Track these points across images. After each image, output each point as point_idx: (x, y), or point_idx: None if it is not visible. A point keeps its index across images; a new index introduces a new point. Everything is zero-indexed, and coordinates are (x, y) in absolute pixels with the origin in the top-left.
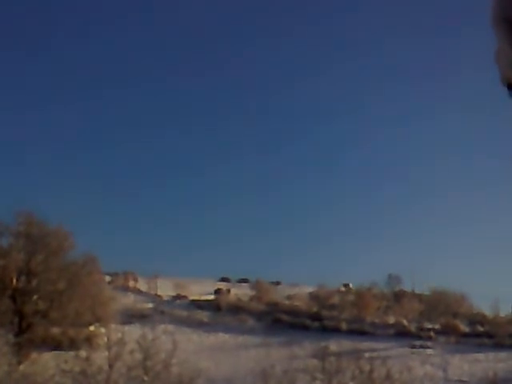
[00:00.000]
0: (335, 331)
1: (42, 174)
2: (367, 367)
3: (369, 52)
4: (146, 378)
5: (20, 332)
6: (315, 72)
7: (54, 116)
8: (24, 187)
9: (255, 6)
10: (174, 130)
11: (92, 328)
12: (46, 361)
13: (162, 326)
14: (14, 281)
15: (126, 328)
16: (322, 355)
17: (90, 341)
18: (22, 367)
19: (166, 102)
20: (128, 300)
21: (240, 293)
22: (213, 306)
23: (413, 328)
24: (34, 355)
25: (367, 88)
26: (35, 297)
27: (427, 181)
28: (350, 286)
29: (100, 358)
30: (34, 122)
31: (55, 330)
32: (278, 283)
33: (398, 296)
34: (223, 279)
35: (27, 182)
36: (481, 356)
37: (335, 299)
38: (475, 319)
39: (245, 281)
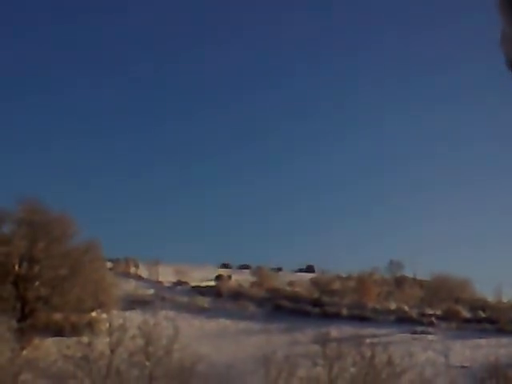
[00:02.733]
0: (336, 317)
1: (44, 161)
2: (368, 353)
3: None
4: (147, 364)
5: (22, 318)
6: None
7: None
8: (26, 174)
9: None
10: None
11: (94, 314)
12: (49, 346)
13: (163, 312)
14: (17, 267)
15: (128, 314)
16: (323, 341)
17: (91, 326)
18: (24, 353)
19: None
20: (129, 286)
21: (241, 279)
22: (214, 292)
23: (414, 314)
24: (36, 341)
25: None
26: (37, 283)
27: (428, 168)
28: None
29: (102, 343)
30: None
31: (57, 316)
32: (279, 269)
33: (400, 282)
34: (224, 265)
35: (29, 170)
36: (483, 342)
37: (336, 285)
38: (477, 305)
39: (246, 267)
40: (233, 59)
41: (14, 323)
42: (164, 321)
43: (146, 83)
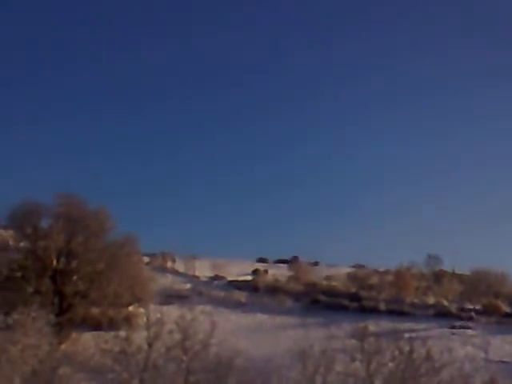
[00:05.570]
0: (374, 312)
1: (83, 156)
2: (407, 348)
3: None
4: (184, 358)
5: (60, 312)
6: None
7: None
8: (64, 169)
9: None
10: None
11: (131, 308)
12: (87, 341)
13: (200, 307)
14: (54, 262)
15: (165, 308)
16: (361, 335)
17: (129, 321)
18: (63, 347)
19: None
20: (166, 281)
21: (278, 273)
22: (250, 287)
23: (453, 308)
24: (74, 335)
25: None
26: (75, 277)
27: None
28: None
29: (139, 337)
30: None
31: (95, 311)
32: (316, 264)
33: (438, 276)
34: (261, 260)
35: (68, 165)
36: None
37: (374, 279)
38: None
39: (282, 261)
40: None
41: (52, 317)
42: (201, 315)
43: None
